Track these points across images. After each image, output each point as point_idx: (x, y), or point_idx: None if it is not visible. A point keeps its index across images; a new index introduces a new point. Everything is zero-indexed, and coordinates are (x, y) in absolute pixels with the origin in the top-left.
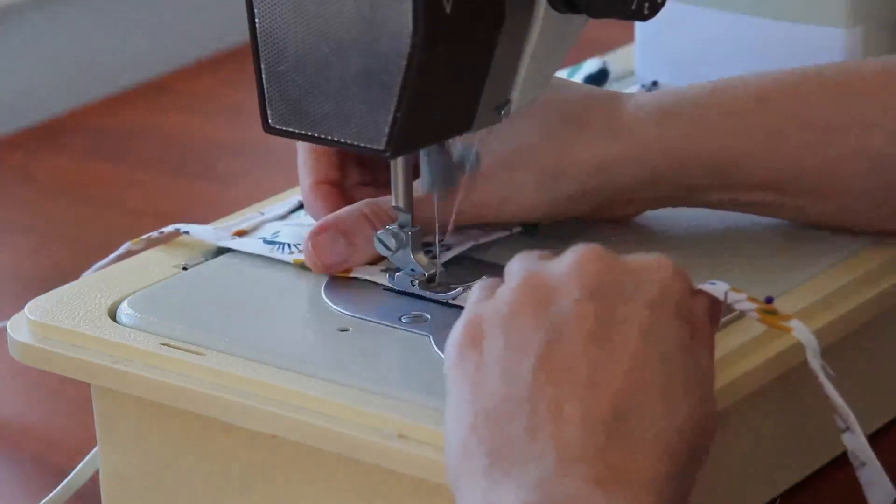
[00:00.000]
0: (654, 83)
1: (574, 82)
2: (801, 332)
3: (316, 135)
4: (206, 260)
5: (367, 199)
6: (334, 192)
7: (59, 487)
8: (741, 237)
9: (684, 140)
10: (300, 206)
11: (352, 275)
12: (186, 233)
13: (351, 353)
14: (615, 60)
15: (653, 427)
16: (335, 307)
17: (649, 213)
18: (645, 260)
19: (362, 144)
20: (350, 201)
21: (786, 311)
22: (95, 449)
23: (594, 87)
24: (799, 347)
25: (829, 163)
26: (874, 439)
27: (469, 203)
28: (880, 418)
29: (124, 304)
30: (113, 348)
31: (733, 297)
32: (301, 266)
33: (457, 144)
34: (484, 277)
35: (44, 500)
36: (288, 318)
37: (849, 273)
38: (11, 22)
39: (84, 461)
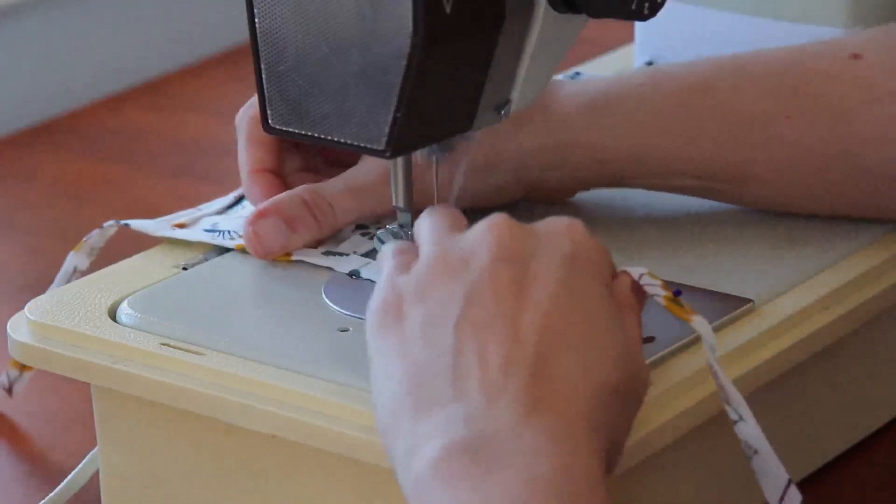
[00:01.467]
0: (649, 63)
1: None
2: (700, 325)
3: (316, 135)
4: (206, 260)
5: (305, 185)
6: (273, 179)
7: (59, 487)
8: (739, 237)
9: (607, 136)
10: (236, 202)
11: (294, 258)
12: (126, 225)
13: (351, 353)
14: (615, 60)
15: (578, 365)
16: (335, 307)
17: (644, 211)
18: (556, 224)
19: (362, 144)
20: (289, 188)
21: (691, 308)
22: (95, 449)
23: None
24: (794, 351)
25: (747, 153)
26: (874, 439)
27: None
28: (880, 418)
29: (124, 304)
30: (113, 348)
31: (648, 280)
32: (245, 251)
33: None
34: (390, 243)
35: (44, 501)
36: (288, 318)
37: (848, 273)
38: (11, 22)
39: (84, 461)
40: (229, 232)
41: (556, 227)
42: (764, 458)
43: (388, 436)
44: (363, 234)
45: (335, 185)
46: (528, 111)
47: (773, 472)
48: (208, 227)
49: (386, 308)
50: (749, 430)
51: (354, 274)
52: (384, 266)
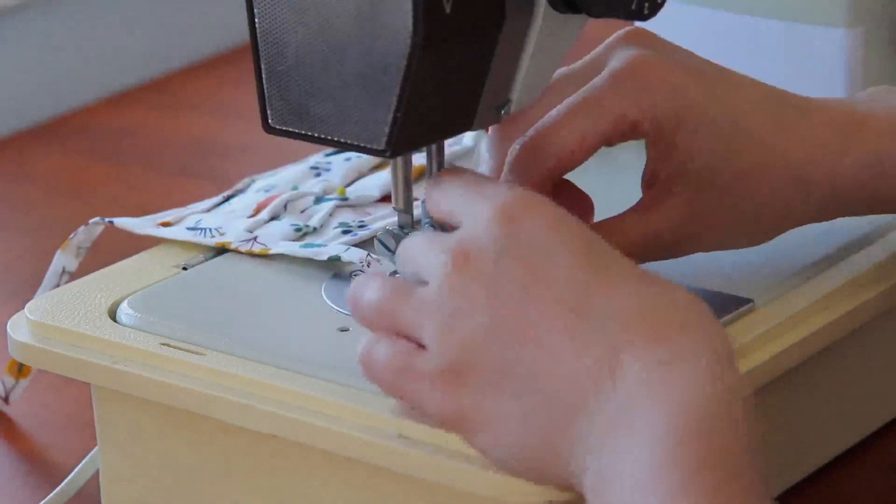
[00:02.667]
0: None
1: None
2: None
3: (316, 135)
4: (206, 260)
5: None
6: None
7: (59, 487)
8: None
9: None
10: (223, 201)
11: (271, 251)
12: (110, 222)
13: (351, 353)
14: None
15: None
16: (335, 307)
17: None
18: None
19: (362, 144)
20: None
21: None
22: (95, 449)
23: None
24: (794, 351)
25: None
26: (874, 439)
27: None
28: (880, 418)
29: (124, 304)
30: (113, 348)
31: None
32: (222, 249)
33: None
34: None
35: (44, 501)
36: (288, 318)
37: (848, 273)
38: (11, 22)
39: (84, 461)
40: (210, 230)
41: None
42: None
43: (528, 466)
44: (345, 233)
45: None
46: (838, 126)
47: None
48: (191, 226)
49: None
50: None
51: (334, 258)
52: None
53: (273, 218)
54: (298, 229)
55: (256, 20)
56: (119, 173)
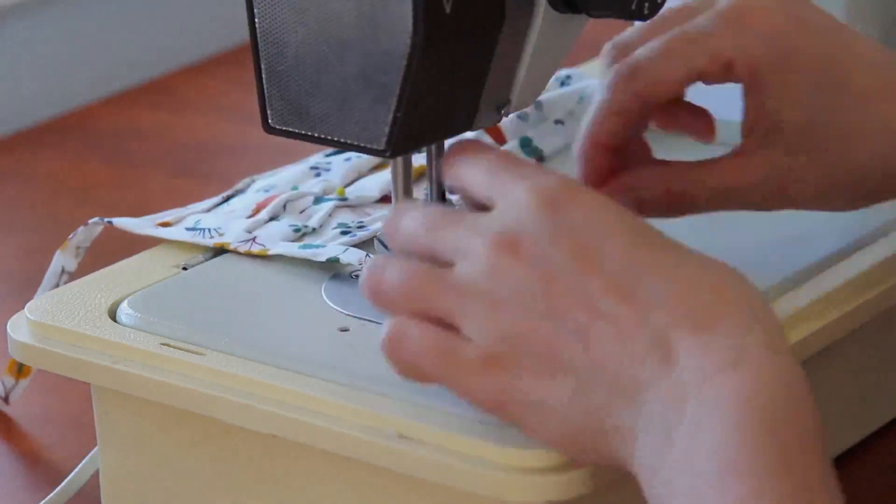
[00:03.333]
0: None
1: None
2: None
3: (316, 135)
4: (206, 260)
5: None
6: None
7: (59, 487)
8: (739, 237)
9: None
10: (223, 201)
11: (270, 252)
12: (110, 222)
13: (351, 353)
14: None
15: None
16: (335, 307)
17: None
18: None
19: (362, 144)
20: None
21: None
22: (95, 449)
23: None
24: (794, 351)
25: None
26: (874, 439)
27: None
28: (880, 418)
29: (124, 304)
30: (113, 348)
31: None
32: (221, 249)
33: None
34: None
35: (44, 501)
36: (288, 318)
37: (849, 273)
38: (11, 22)
39: (84, 461)
40: (209, 230)
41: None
42: None
43: (585, 445)
44: (343, 233)
45: (652, 45)
46: (876, 86)
47: None
48: (190, 226)
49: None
50: None
51: (332, 260)
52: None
53: (272, 218)
54: (297, 230)
55: (256, 20)
56: (119, 173)
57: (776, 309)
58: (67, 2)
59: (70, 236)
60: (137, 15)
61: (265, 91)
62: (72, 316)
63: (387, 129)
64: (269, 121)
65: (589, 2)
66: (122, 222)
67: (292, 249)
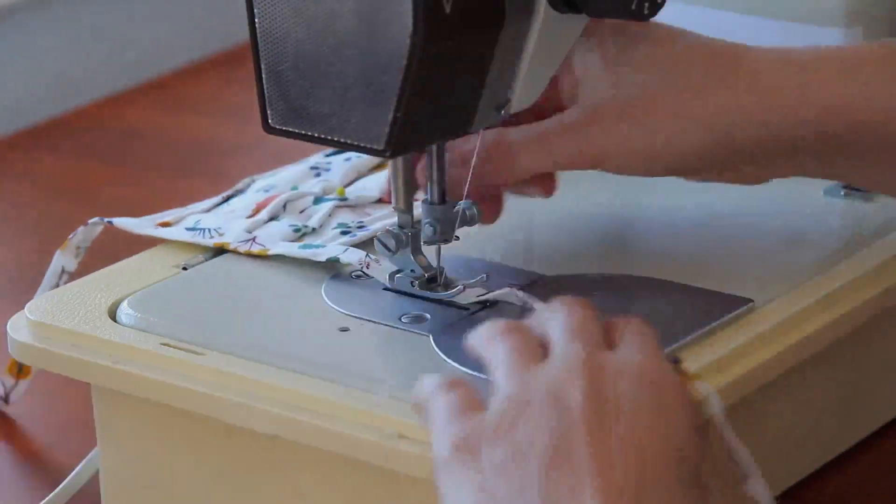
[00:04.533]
0: None
1: (694, 33)
2: (705, 389)
3: (316, 134)
4: (206, 260)
5: (495, 129)
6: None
7: (60, 487)
8: (739, 237)
9: (813, 94)
10: (223, 201)
11: (270, 252)
12: (110, 222)
13: (351, 353)
14: None
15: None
16: (335, 307)
17: (644, 211)
18: (633, 342)
19: (362, 144)
20: None
21: (690, 370)
22: (95, 449)
23: (716, 38)
24: (794, 351)
25: None
26: (874, 439)
27: (584, 152)
28: (880, 418)
29: (124, 304)
30: (113, 348)
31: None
32: (221, 249)
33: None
34: (432, 381)
35: (44, 501)
36: (288, 318)
37: (848, 273)
38: (11, 22)
39: (84, 461)
40: (209, 230)
41: (633, 347)
42: None
43: None
44: (343, 233)
45: (524, 131)
46: (719, 70)
47: None
48: (190, 226)
49: (459, 446)
50: (757, 487)
51: (332, 259)
52: (436, 405)
53: (272, 218)
54: (297, 230)
55: (256, 20)
56: (119, 173)
57: (776, 309)
58: (67, 2)
59: (70, 236)
60: (137, 15)
61: (265, 91)
62: (72, 316)
63: (387, 129)
64: (269, 121)
65: (589, 2)
66: (122, 222)
67: (292, 249)
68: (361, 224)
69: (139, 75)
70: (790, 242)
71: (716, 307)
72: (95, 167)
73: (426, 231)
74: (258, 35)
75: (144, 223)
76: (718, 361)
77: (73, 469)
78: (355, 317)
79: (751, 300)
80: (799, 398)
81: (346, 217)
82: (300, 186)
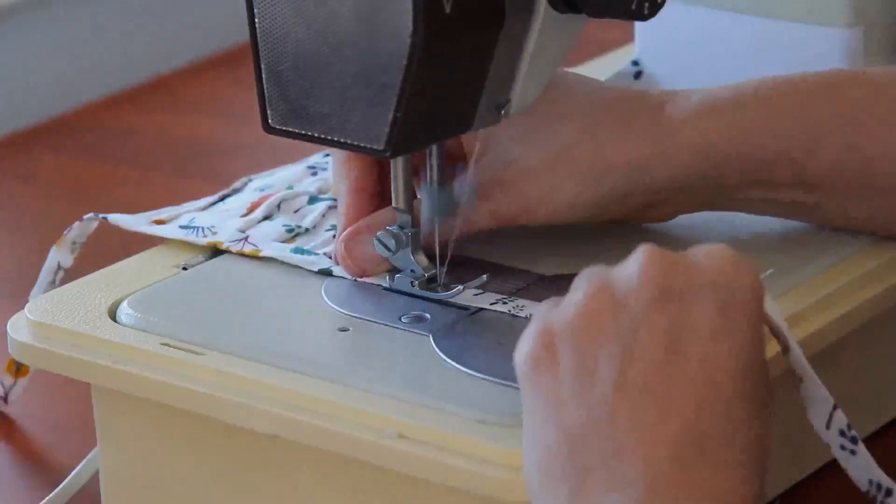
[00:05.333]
0: (634, 62)
1: (611, 85)
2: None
3: (316, 135)
4: (206, 260)
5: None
6: (370, 198)
7: (60, 487)
8: (740, 237)
9: (718, 141)
10: (219, 200)
11: (262, 254)
12: (104, 218)
13: (351, 353)
14: (615, 60)
15: (736, 440)
16: (335, 307)
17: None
18: (711, 257)
19: (362, 144)
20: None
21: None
22: (95, 449)
23: (633, 88)
24: (780, 360)
25: (866, 163)
26: (874, 439)
27: (505, 205)
28: (880, 418)
29: (124, 304)
30: (113, 348)
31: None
32: (213, 249)
33: (457, 180)
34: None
35: (44, 500)
36: (288, 318)
37: (848, 273)
38: (11, 22)
39: (84, 461)
40: (203, 228)
41: (709, 258)
42: (809, 384)
43: (540, 499)
44: (336, 236)
45: None
46: (637, 116)
47: (819, 398)
48: (184, 224)
49: (537, 346)
50: (796, 358)
51: (325, 272)
52: (539, 308)
53: (266, 217)
54: (290, 230)
55: (256, 20)
56: (119, 173)
57: (776, 309)
58: (67, 2)
59: (65, 232)
60: (137, 15)
61: (265, 91)
62: (72, 316)
63: (387, 129)
64: (269, 121)
65: (589, 2)
66: (117, 218)
67: (285, 253)
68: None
69: (139, 75)
70: (790, 242)
71: None
72: (95, 167)
73: (424, 213)
74: (258, 35)
75: (139, 220)
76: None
77: (73, 469)
78: (355, 317)
79: None
80: (796, 400)
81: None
82: (296, 186)
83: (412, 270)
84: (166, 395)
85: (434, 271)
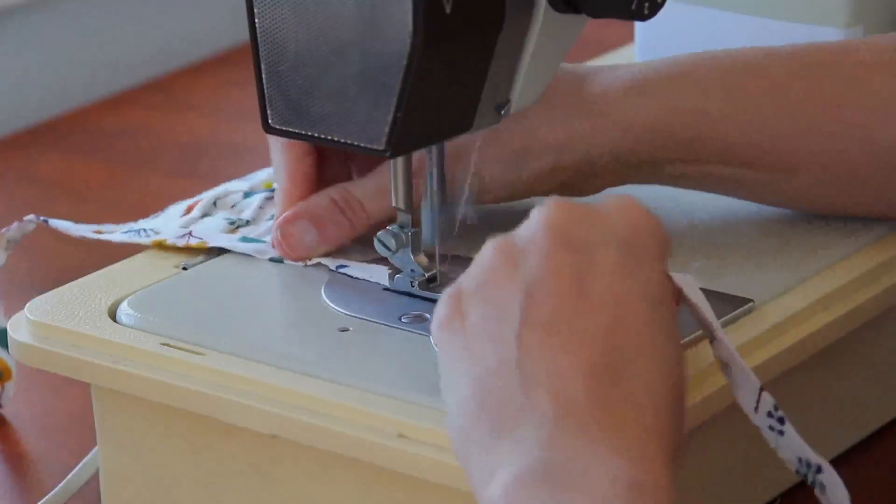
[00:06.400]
0: None
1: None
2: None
3: (316, 135)
4: (206, 260)
5: (336, 185)
6: (307, 185)
7: (59, 487)
8: (739, 237)
9: (649, 117)
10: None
11: (209, 245)
12: (45, 221)
13: (351, 353)
14: (615, 60)
15: (647, 371)
16: (335, 307)
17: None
18: (611, 203)
19: (362, 144)
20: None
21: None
22: (95, 449)
23: (562, 65)
24: (794, 351)
25: (798, 141)
26: (874, 439)
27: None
28: (880, 418)
29: (124, 304)
30: (113, 348)
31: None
32: (160, 246)
33: (460, 202)
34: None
35: (43, 500)
36: (288, 318)
37: (848, 273)
38: (11, 22)
39: (84, 461)
40: (146, 230)
41: (612, 206)
42: (735, 369)
43: (464, 451)
44: None
45: (366, 184)
46: (562, 95)
47: (746, 382)
48: (126, 230)
49: (447, 307)
50: (721, 343)
51: (276, 261)
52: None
53: (205, 215)
54: (232, 222)
55: (256, 20)
56: (119, 173)
57: (776, 309)
58: (67, 2)
59: (3, 231)
60: (137, 15)
61: (265, 91)
62: (72, 316)
63: (387, 129)
64: (269, 121)
65: (589, 2)
66: (58, 224)
67: (233, 242)
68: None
69: (139, 75)
70: (790, 242)
71: (716, 307)
72: (95, 167)
73: (425, 234)
74: (258, 35)
75: (81, 228)
76: (718, 361)
77: (73, 469)
78: (355, 317)
79: (751, 300)
80: (798, 398)
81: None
82: (227, 187)
83: (412, 270)
84: (166, 395)
85: (434, 271)
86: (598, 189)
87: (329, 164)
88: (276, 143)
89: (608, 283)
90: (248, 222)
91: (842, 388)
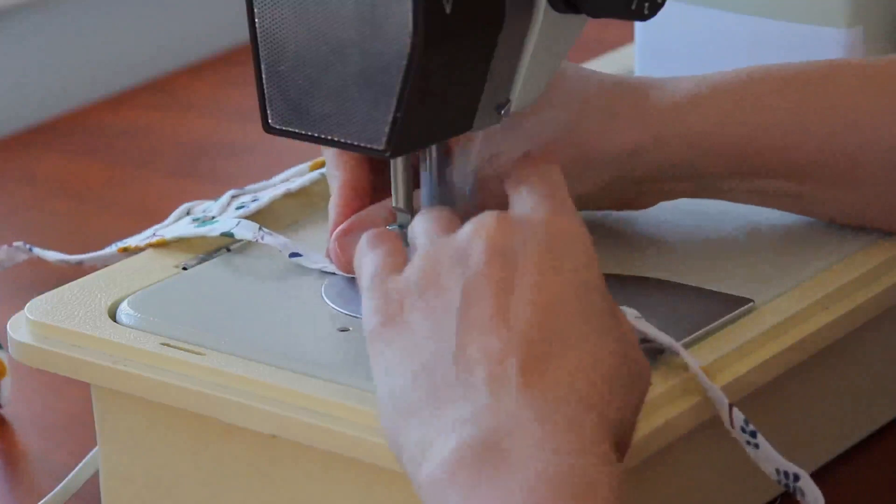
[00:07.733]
0: None
1: (597, 72)
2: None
3: (316, 135)
4: (206, 260)
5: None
6: (359, 196)
7: (59, 487)
8: (739, 237)
9: (706, 130)
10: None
11: (167, 238)
12: (31, 249)
13: (351, 353)
14: (615, 60)
15: (581, 351)
16: (335, 307)
17: (643, 217)
18: (535, 214)
19: (362, 144)
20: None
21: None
22: (95, 449)
23: (619, 76)
24: (794, 351)
25: (853, 152)
26: (874, 439)
27: (489, 199)
28: (880, 418)
29: (124, 304)
30: (113, 348)
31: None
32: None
33: (457, 171)
34: (368, 236)
35: (43, 500)
36: (288, 318)
37: (848, 273)
38: (11, 22)
39: (84, 461)
40: (116, 244)
41: (542, 213)
42: (706, 388)
43: (395, 432)
44: (239, 208)
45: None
46: (627, 106)
47: (717, 400)
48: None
49: (383, 310)
50: (689, 368)
51: (227, 234)
52: (365, 269)
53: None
54: (197, 219)
55: (256, 20)
56: (119, 173)
57: (776, 309)
58: (67, 2)
59: None
60: (137, 15)
61: (265, 91)
62: (72, 316)
63: (387, 129)
64: (269, 121)
65: (589, 2)
66: (42, 252)
67: (188, 229)
68: (256, 199)
69: (139, 75)
70: (790, 242)
71: (716, 307)
72: (95, 167)
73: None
74: (258, 35)
75: (66, 257)
76: (718, 361)
77: (73, 469)
78: (355, 317)
79: (751, 300)
80: (799, 398)
81: (245, 199)
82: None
83: None
84: (166, 395)
85: None
86: (651, 203)
87: (384, 175)
88: (330, 155)
89: (531, 279)
90: (213, 218)
91: (841, 388)
